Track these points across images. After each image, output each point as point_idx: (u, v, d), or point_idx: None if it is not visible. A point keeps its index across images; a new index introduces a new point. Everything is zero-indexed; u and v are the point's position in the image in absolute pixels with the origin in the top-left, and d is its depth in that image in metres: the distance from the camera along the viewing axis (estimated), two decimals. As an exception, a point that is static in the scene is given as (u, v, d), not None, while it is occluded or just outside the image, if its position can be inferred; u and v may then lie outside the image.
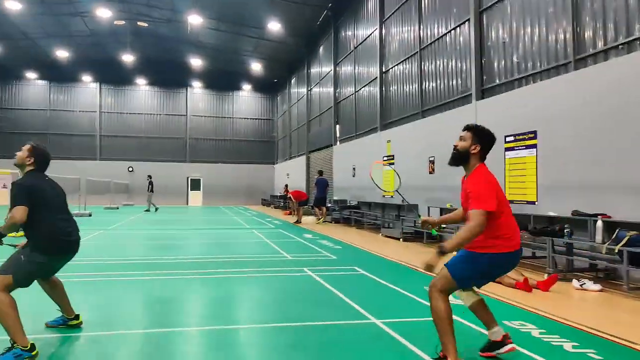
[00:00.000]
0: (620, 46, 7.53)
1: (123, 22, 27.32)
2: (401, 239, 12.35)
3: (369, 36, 18.32)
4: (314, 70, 27.11)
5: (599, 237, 6.66)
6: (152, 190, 26.84)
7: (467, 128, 3.76)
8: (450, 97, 12.49)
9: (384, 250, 10.34)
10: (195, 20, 24.53)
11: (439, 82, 13.11)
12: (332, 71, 22.80)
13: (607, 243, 6.39)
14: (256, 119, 39.29)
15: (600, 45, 7.89)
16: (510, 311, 5.26)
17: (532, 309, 5.32)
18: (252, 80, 37.85)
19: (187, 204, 37.28)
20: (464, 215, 3.73)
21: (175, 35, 29.81)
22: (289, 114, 33.94)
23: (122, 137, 36.78)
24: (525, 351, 3.93)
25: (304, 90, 29.40)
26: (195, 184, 37.76)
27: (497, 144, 10.02)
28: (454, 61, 12.34)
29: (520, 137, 9.52)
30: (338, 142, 22.12)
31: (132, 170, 36.41)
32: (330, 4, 22.16)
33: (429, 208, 12.27)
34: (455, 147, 3.71)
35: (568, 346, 4.10)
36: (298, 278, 7.31)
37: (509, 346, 3.68)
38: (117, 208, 29.30)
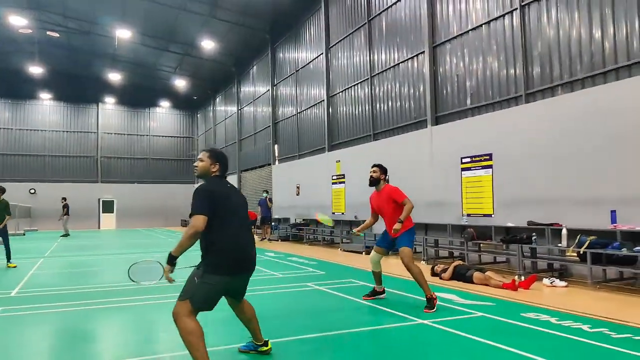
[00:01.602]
0: (564, 84, 9.16)
1: (30, 31, 25.47)
2: (364, 253, 13.23)
3: (312, 60, 19.24)
4: (246, 89, 27.44)
5: (564, 242, 8.03)
6: (67, 214, 24.95)
7: (376, 165, 6.52)
8: (404, 121, 13.73)
9: (356, 263, 11.10)
10: (124, 34, 23.71)
11: (392, 107, 14.33)
12: (270, 91, 23.36)
13: (572, 247, 7.77)
14: (174, 136, 38.27)
15: (547, 82, 9.49)
16: (518, 306, 6.27)
17: (533, 303, 6.38)
18: (171, 97, 36.95)
19: (99, 227, 35.03)
20: (373, 220, 6.72)
21: (89, 47, 28.38)
22: (214, 132, 33.67)
23: (21, 156, 33.74)
24: (560, 333, 4.89)
25: (233, 108, 29.51)
26: (107, 206, 35.66)
27: (453, 164, 11.64)
28: (408, 89, 13.63)
29: (477, 158, 10.92)
30: (277, 162, 22.63)
31: (34, 192, 33.47)
32: (268, 27, 22.81)
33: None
34: (371, 176, 6.46)
35: (585, 328, 5.12)
36: (314, 292, 7.76)
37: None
38: (23, 234, 26.80)
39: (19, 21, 22.55)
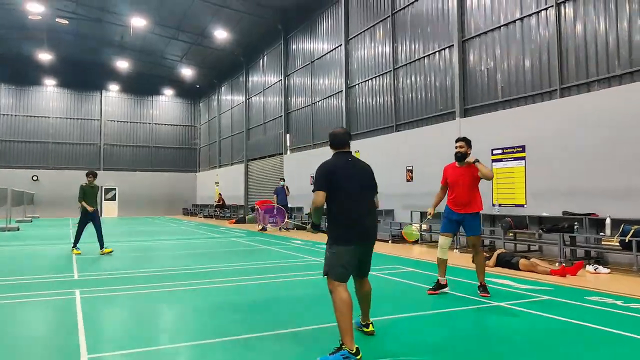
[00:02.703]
0: (601, 80, 9.52)
1: (39, 17, 25.24)
2: (390, 241, 13.60)
3: (330, 52, 19.43)
4: (255, 79, 27.52)
5: (608, 231, 8.45)
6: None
7: (461, 139, 6.46)
8: (429, 113, 14.05)
9: (385, 250, 11.47)
10: (138, 22, 23.63)
11: (416, 98, 14.63)
12: (282, 82, 23.51)
13: (616, 235, 8.19)
14: (177, 125, 38.23)
15: (583, 77, 9.85)
16: (577, 291, 6.66)
17: (590, 288, 6.78)
18: (174, 85, 36.84)
19: (101, 215, 34.96)
20: (443, 194, 6.62)
21: (97, 35, 28.20)
22: (218, 121, 33.71)
23: (24, 142, 33.51)
24: (634, 314, 5.29)
25: (240, 98, 29.58)
26: (109, 194, 35.60)
27: (483, 155, 11.91)
28: (434, 81, 13.92)
29: (509, 150, 11.29)
30: (289, 151, 22.85)
31: (36, 179, 33.31)
32: (282, 18, 22.89)
33: (412, 212, 13.71)
34: (458, 152, 6.37)
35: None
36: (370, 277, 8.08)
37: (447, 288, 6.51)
38: (31, 221, 26.77)
39: (35, 7, 22.34)
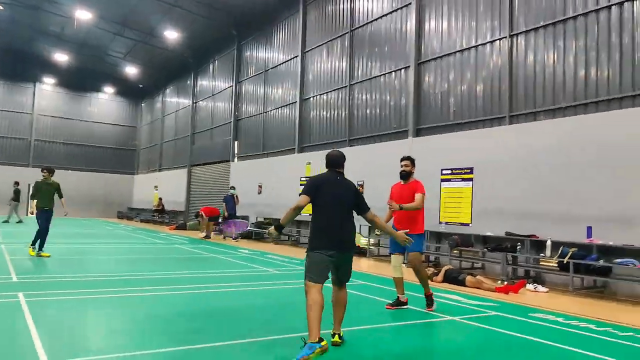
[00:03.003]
0: (547, 111, 10.20)
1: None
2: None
3: (285, 62, 19.45)
4: (204, 83, 26.98)
5: (548, 252, 8.98)
6: (17, 199, 23.30)
7: (406, 158, 6.74)
8: (383, 130, 14.38)
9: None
10: (83, 15, 22.50)
11: (371, 115, 14.93)
12: (233, 88, 23.21)
13: (556, 257, 8.73)
14: (116, 125, 36.56)
15: (531, 107, 10.50)
16: (521, 308, 7.01)
17: (532, 305, 7.16)
18: (116, 83, 35.28)
19: (27, 214, 32.60)
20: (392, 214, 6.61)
21: (35, 24, 26.57)
22: (162, 123, 32.64)
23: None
24: (574, 331, 5.65)
25: (186, 101, 28.87)
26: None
27: (433, 174, 12.29)
28: (389, 99, 14.28)
29: (458, 171, 11.77)
30: (237, 159, 22.53)
31: (-47, 174, 30.58)
32: (236, 24, 22.63)
33: (360, 226, 13.91)
34: (403, 170, 6.64)
35: (592, 327, 5.93)
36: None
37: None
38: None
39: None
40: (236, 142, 22.77)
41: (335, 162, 4.82)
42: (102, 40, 28.05)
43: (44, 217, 10.30)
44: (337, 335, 4.64)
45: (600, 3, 9.41)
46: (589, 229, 8.87)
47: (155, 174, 32.86)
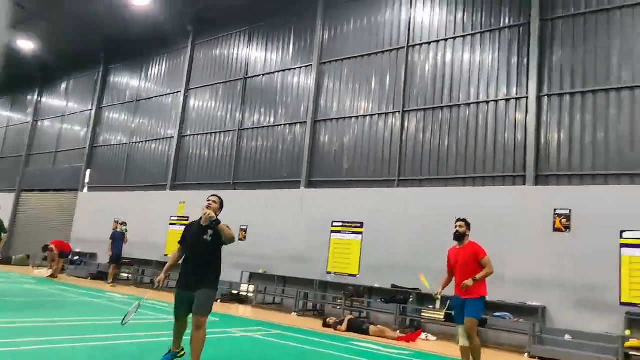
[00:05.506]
0: (431, 180, 11.82)
1: None
2: (219, 300, 13.21)
3: (163, 95, 18.68)
4: (51, 101, 23.99)
5: (438, 305, 10.14)
6: None
7: (461, 220, 6.43)
8: (272, 178, 14.68)
9: (220, 309, 11.25)
10: None
11: (259, 161, 15.14)
12: (91, 112, 21.18)
13: (444, 309, 9.94)
14: None
15: (417, 174, 12.04)
16: (433, 357, 7.88)
17: (441, 354, 8.11)
18: None
19: None
20: (450, 278, 6.50)
21: None
22: (-18, 138, 27.62)
23: None
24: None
25: (24, 117, 25.20)
26: None
27: (323, 225, 13.18)
28: (282, 149, 14.70)
29: (348, 224, 12.67)
30: (86, 189, 20.27)
31: None
32: (104, 45, 20.94)
33: (242, 272, 13.78)
34: (457, 231, 6.34)
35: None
36: (239, 339, 7.85)
37: None
38: None
39: None
40: (89, 171, 20.56)
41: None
42: None
43: None
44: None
45: (470, 99, 11.54)
46: (467, 284, 10.35)
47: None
